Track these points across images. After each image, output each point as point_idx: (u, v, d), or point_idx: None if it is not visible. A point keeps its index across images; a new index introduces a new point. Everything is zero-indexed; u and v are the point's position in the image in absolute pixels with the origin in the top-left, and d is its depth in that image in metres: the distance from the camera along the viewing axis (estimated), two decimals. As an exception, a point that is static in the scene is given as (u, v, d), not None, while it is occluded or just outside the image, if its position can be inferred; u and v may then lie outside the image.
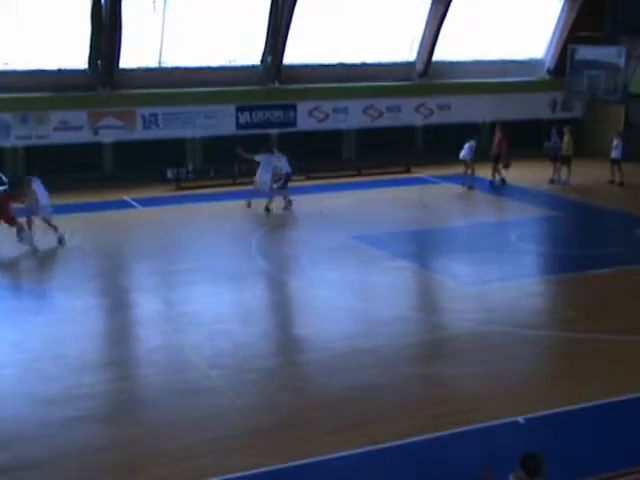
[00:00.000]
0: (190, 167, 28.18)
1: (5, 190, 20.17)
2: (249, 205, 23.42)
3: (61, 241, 19.11)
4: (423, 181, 27.28)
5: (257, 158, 23.64)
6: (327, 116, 30.61)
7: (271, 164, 23.35)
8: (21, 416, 10.46)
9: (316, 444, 9.63)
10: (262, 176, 23.33)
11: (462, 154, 26.06)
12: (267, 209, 22.92)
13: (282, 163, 23.54)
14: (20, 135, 27.15)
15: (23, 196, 19.30)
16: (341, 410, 10.57)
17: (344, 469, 9.25)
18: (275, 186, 23.26)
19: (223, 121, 29.53)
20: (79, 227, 20.72)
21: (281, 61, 29.70)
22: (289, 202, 23.39)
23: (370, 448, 9.55)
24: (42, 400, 10.89)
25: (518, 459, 7.25)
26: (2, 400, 10.95)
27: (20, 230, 18.83)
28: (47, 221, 19.36)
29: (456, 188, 25.77)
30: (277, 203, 23.04)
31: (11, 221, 18.95)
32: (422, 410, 10.64)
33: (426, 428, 10.06)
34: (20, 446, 9.57)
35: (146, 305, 15.16)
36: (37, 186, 19.39)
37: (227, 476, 8.96)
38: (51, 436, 9.87)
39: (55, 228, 19.25)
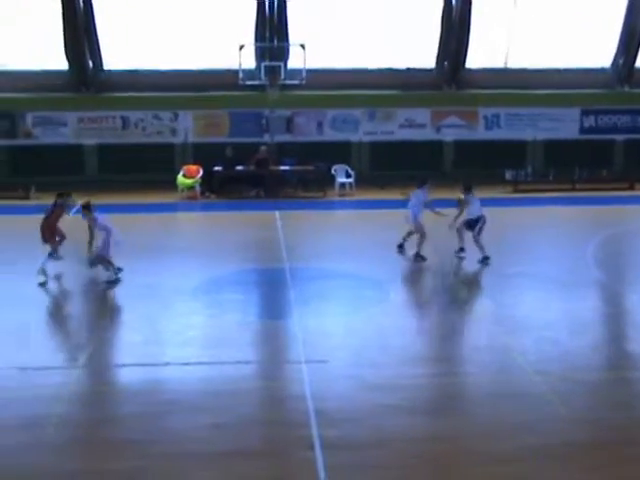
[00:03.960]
0: (529, 169, 27.91)
1: (53, 211, 17.33)
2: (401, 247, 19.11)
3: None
4: None
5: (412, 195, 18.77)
6: (680, 123, 28.96)
7: (420, 201, 18.54)
8: (349, 398, 10.97)
9: (638, 468, 9.14)
10: (411, 214, 18.59)
11: None
12: (417, 255, 18.33)
13: (473, 205, 18.21)
14: (367, 131, 28.47)
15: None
16: (672, 435, 9.95)
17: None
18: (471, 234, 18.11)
19: (566, 124, 28.98)
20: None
21: (634, 64, 28.48)
22: (485, 258, 17.90)
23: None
24: (369, 385, 11.33)
25: None
26: (333, 381, 11.55)
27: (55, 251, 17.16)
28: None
29: None
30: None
31: (59, 241, 17.34)
32: None
33: None
34: (347, 426, 10.04)
35: (475, 304, 15.28)
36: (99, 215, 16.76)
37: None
38: (375, 420, 10.24)
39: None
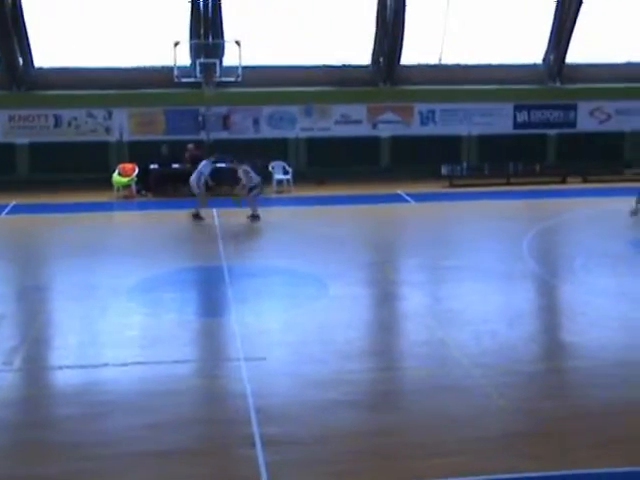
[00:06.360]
0: (464, 164, 28.19)
1: None
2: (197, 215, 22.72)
3: None
4: None
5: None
6: (609, 117, 29.47)
7: (202, 169, 22.96)
8: (290, 394, 10.94)
9: (577, 456, 9.24)
10: (191, 180, 22.95)
11: None
12: (194, 215, 22.62)
13: (250, 172, 22.48)
14: (304, 127, 28.43)
15: None
16: (606, 423, 10.09)
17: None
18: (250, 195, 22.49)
19: (500, 119, 29.30)
20: (351, 218, 21.30)
21: (564, 60, 28.94)
22: (256, 216, 22.36)
23: (635, 469, 9.03)
24: (309, 382, 11.31)
25: None
26: (272, 378, 11.51)
27: None
28: None
29: None
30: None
31: None
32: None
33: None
34: (288, 422, 10.00)
35: (413, 299, 15.33)
36: None
37: (481, 477, 8.84)
38: (315, 417, 10.22)
39: None
